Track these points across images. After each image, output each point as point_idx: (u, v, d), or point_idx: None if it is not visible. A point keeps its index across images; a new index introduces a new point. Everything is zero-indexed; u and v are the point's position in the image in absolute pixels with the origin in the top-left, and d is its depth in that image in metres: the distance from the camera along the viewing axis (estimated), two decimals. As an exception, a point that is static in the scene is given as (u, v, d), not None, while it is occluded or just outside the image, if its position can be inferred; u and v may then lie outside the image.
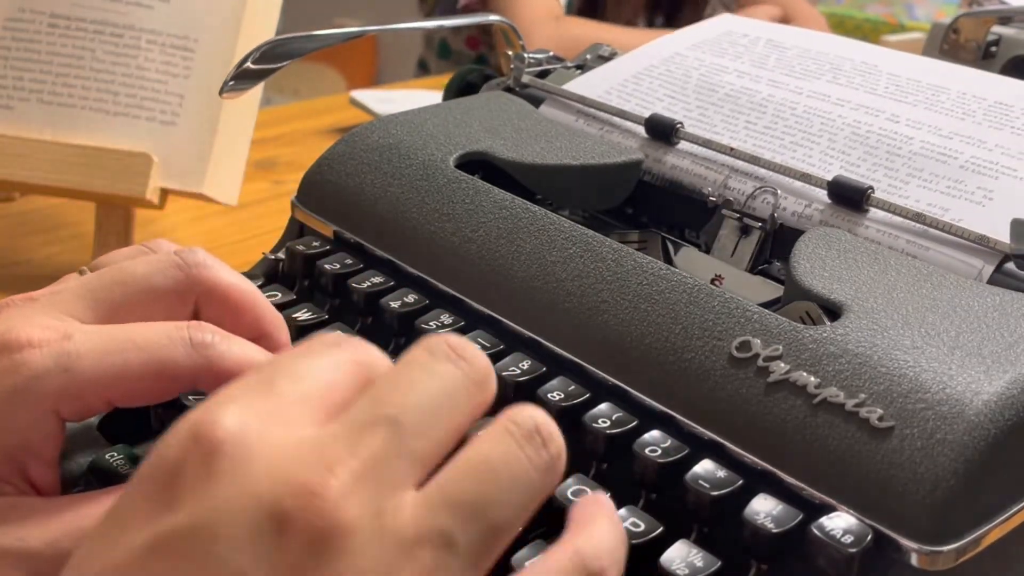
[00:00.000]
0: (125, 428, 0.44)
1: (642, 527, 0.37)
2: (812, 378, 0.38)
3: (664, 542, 0.36)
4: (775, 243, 0.52)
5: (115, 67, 0.73)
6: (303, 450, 0.26)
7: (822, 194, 0.51)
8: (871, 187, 0.50)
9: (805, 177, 0.52)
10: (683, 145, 0.57)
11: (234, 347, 0.35)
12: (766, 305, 0.43)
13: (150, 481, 0.26)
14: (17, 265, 0.78)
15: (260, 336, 0.38)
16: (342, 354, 0.30)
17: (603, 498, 0.31)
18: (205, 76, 0.73)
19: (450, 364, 0.29)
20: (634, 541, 0.36)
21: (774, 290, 0.50)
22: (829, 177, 0.51)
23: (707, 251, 0.54)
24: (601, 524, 0.30)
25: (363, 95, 1.13)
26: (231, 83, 0.58)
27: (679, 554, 0.35)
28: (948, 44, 0.77)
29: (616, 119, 0.60)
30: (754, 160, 0.54)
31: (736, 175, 0.54)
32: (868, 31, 1.51)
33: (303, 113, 1.18)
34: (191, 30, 0.74)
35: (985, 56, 0.76)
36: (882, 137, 0.54)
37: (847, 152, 0.54)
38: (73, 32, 0.74)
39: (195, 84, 0.73)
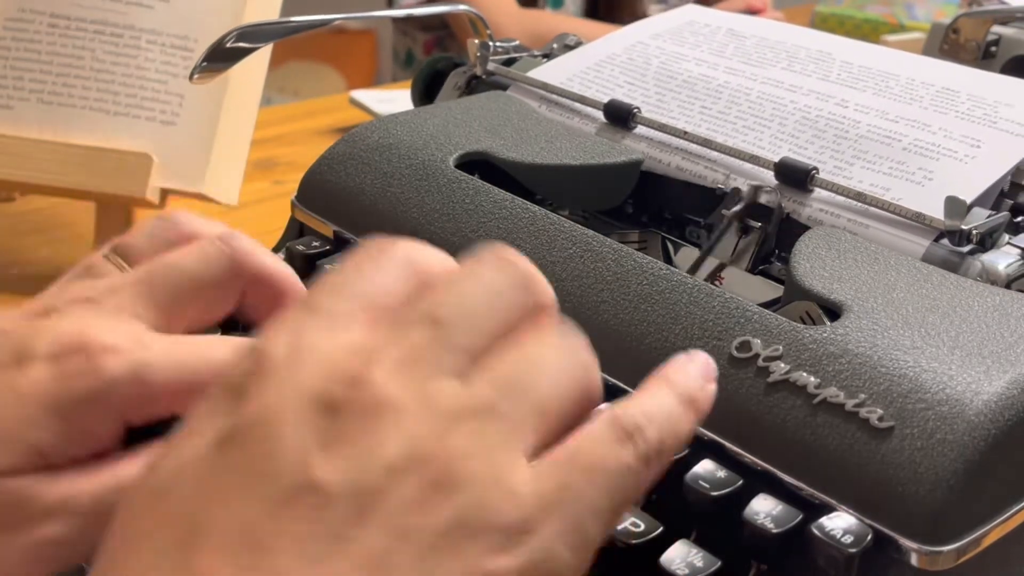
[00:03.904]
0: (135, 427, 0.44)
1: (642, 527, 0.37)
2: (812, 378, 0.38)
3: (664, 542, 0.36)
4: (775, 243, 0.52)
5: (115, 67, 0.73)
6: (350, 348, 0.28)
7: (769, 175, 0.53)
8: (816, 168, 0.52)
9: (754, 159, 0.54)
10: (640, 129, 0.59)
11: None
12: (766, 305, 0.43)
13: (214, 398, 0.28)
14: (17, 265, 0.78)
15: None
16: (390, 258, 0.31)
17: (674, 363, 0.33)
18: (205, 76, 0.73)
19: (494, 269, 0.30)
20: (634, 541, 0.36)
21: (774, 290, 0.50)
22: (777, 159, 0.53)
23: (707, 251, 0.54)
24: (652, 390, 0.31)
25: (363, 95, 1.13)
26: (203, 64, 0.59)
27: (679, 554, 0.35)
28: (948, 44, 0.77)
29: (576, 104, 0.62)
30: (706, 143, 0.56)
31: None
32: (868, 31, 1.51)
33: (303, 113, 1.18)
34: (191, 30, 0.74)
35: (985, 56, 0.76)
36: (830, 121, 0.56)
37: (796, 135, 0.56)
38: (73, 32, 0.74)
39: (195, 84, 0.73)
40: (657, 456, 0.29)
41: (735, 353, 0.40)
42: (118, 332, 0.34)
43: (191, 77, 0.59)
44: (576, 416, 0.29)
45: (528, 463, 0.27)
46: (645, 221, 0.59)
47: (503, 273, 0.30)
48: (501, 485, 0.26)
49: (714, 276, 0.53)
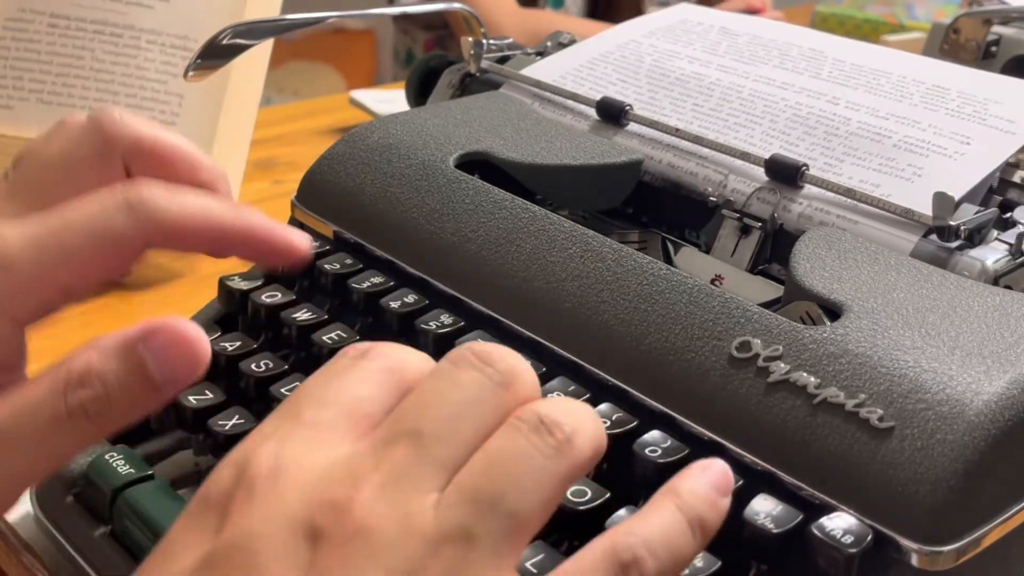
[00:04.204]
0: (125, 429, 0.44)
1: (642, 527, 0.37)
2: (812, 378, 0.38)
3: (664, 542, 0.36)
4: (775, 243, 0.52)
5: (115, 67, 0.73)
6: (332, 471, 0.28)
7: (760, 171, 0.54)
8: (806, 164, 0.52)
9: (744, 156, 0.54)
10: (631, 126, 0.59)
11: (178, 199, 0.34)
12: (766, 305, 0.43)
13: (196, 515, 0.28)
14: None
15: (199, 185, 0.36)
16: (370, 365, 0.31)
17: (687, 476, 0.31)
18: (205, 76, 0.73)
19: (473, 371, 0.30)
20: (634, 541, 0.36)
21: (774, 290, 0.50)
22: (767, 155, 0.53)
23: (707, 251, 0.54)
24: (658, 510, 0.30)
25: (363, 95, 1.13)
26: (198, 61, 0.59)
27: (679, 554, 0.35)
28: (948, 44, 0.77)
29: (569, 102, 0.62)
30: (697, 140, 0.56)
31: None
32: (868, 31, 1.51)
33: (303, 113, 1.18)
34: (191, 30, 0.74)
35: (985, 56, 0.76)
36: (821, 118, 0.56)
37: (787, 132, 0.56)
38: (73, 32, 0.74)
39: (195, 84, 0.73)
40: None
41: (735, 353, 0.40)
42: None
43: (186, 74, 0.59)
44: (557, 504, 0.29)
45: None
46: (645, 221, 0.59)
47: (484, 375, 0.30)
48: None
49: (714, 276, 0.53)
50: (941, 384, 0.37)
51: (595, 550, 0.28)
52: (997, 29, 0.76)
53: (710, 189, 0.55)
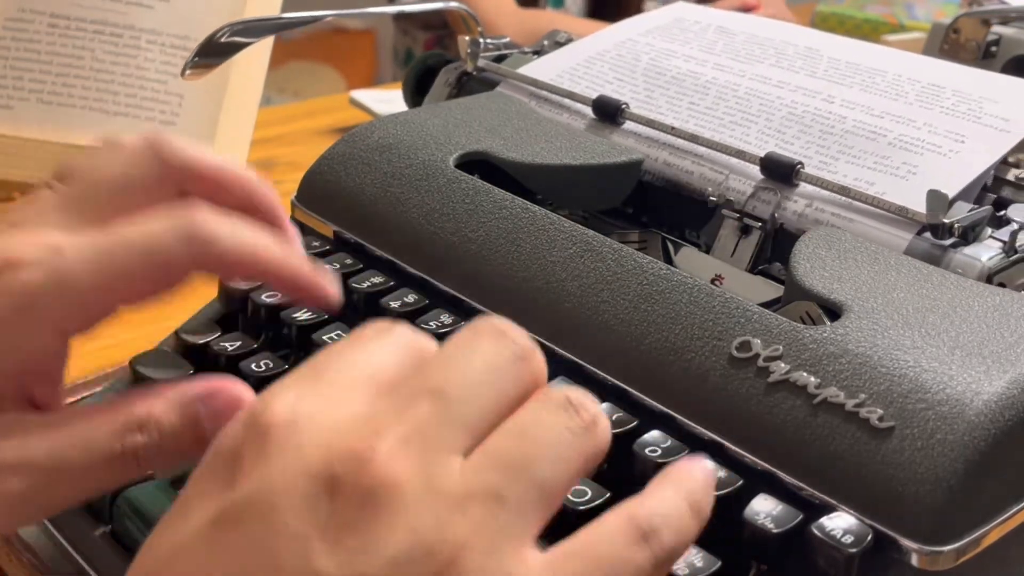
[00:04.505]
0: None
1: (642, 527, 0.37)
2: (812, 378, 0.38)
3: (664, 542, 0.36)
4: (775, 243, 0.52)
5: (115, 67, 0.73)
6: (352, 422, 0.27)
7: (755, 170, 0.54)
8: (801, 162, 0.53)
9: (740, 154, 0.54)
10: (628, 125, 0.59)
11: (232, 231, 0.34)
12: (766, 305, 0.43)
13: (210, 468, 0.28)
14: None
15: (254, 212, 0.37)
16: (391, 338, 0.31)
17: (683, 466, 0.31)
18: (205, 76, 0.73)
19: (493, 341, 0.30)
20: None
21: (774, 290, 0.50)
22: (763, 154, 0.53)
23: (707, 251, 0.54)
24: (664, 490, 0.30)
25: (363, 95, 1.12)
26: (195, 59, 0.59)
27: (679, 554, 0.35)
28: (948, 44, 0.77)
29: (566, 100, 0.62)
30: (693, 138, 0.56)
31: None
32: (868, 31, 1.51)
33: (303, 113, 1.18)
34: (191, 30, 0.74)
35: (985, 56, 0.76)
36: (817, 117, 0.57)
37: (782, 131, 0.56)
38: (73, 32, 0.74)
39: (195, 84, 0.73)
40: (668, 561, 0.29)
41: (735, 353, 0.40)
42: (31, 244, 0.33)
43: (183, 72, 0.59)
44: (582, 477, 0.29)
45: (537, 553, 0.27)
46: (645, 221, 0.59)
47: (502, 346, 0.30)
48: None
49: (714, 277, 0.53)
50: (941, 384, 0.37)
51: (614, 518, 0.28)
52: (997, 29, 0.76)
53: (709, 189, 0.55)
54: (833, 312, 0.42)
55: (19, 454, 0.33)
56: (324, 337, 0.47)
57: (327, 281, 0.36)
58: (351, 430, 0.27)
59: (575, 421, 0.29)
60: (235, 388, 0.34)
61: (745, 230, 0.53)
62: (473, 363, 0.29)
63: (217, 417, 0.33)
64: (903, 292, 0.42)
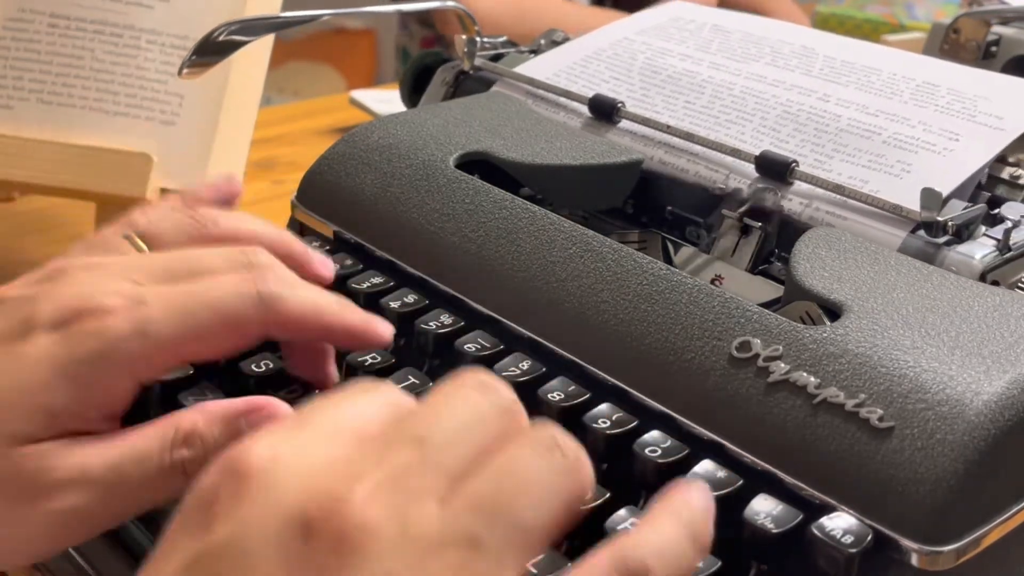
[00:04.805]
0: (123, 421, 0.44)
1: (642, 527, 0.37)
2: (812, 378, 0.38)
3: (664, 542, 0.36)
4: (775, 243, 0.52)
5: (115, 67, 0.73)
6: (331, 467, 0.27)
7: (750, 168, 0.54)
8: (795, 161, 0.53)
9: (735, 152, 0.55)
10: (624, 123, 0.60)
11: (301, 296, 0.38)
12: (766, 305, 0.43)
13: (188, 512, 0.28)
14: (16, 265, 0.77)
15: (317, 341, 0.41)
16: (376, 396, 0.31)
17: (681, 493, 0.30)
18: (205, 76, 0.73)
19: (476, 392, 0.30)
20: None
21: (774, 290, 0.50)
22: (758, 152, 0.54)
23: (707, 251, 0.54)
24: (662, 522, 0.29)
25: (363, 95, 1.12)
26: (193, 58, 0.59)
27: (679, 554, 0.35)
28: (948, 44, 0.77)
29: (562, 99, 0.63)
30: (689, 137, 0.57)
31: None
32: (868, 31, 1.51)
33: (303, 113, 1.18)
34: (191, 30, 0.74)
35: (985, 56, 0.76)
36: (812, 115, 0.57)
37: (777, 129, 0.57)
38: (73, 32, 0.74)
39: (195, 84, 0.73)
40: None
41: (735, 353, 0.40)
42: (116, 293, 0.35)
43: (180, 71, 0.60)
44: (564, 526, 0.28)
45: None
46: (645, 221, 0.59)
47: (487, 398, 0.30)
48: None
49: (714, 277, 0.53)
50: (941, 384, 0.37)
51: (603, 557, 0.28)
52: (997, 29, 0.76)
53: (704, 184, 0.55)
54: (833, 312, 0.42)
55: (79, 471, 0.34)
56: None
57: (380, 326, 0.40)
58: (328, 474, 0.27)
59: (557, 461, 0.28)
60: (276, 405, 0.35)
61: (745, 230, 0.53)
62: (455, 412, 0.29)
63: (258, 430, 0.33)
64: (903, 292, 0.42)
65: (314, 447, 0.28)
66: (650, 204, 0.58)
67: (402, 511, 0.26)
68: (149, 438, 0.35)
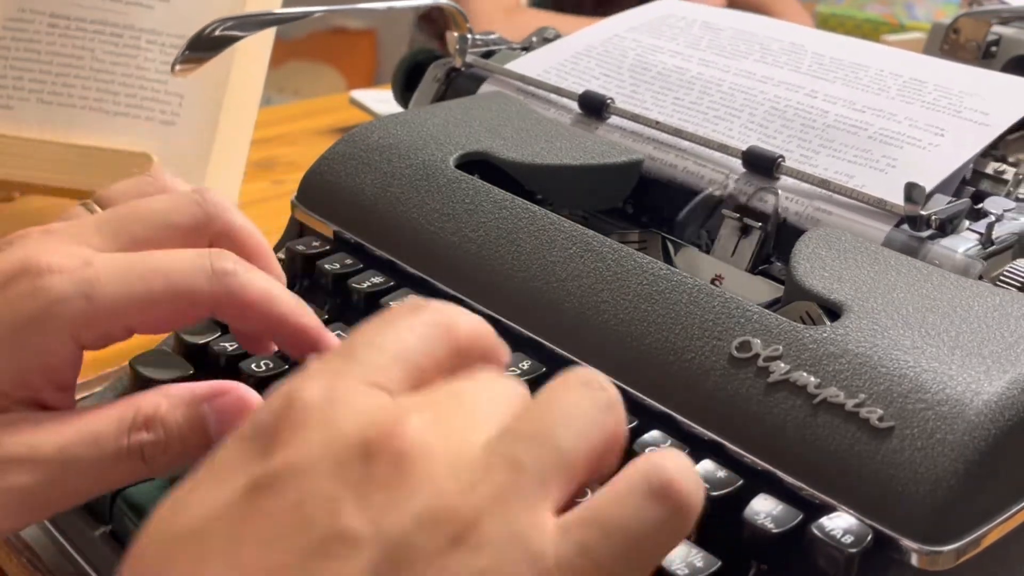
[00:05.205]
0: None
1: (642, 527, 0.37)
2: (812, 378, 0.38)
3: (664, 542, 0.36)
4: (775, 243, 0.52)
5: (115, 67, 0.73)
6: (384, 403, 0.28)
7: (738, 163, 0.54)
8: (782, 156, 0.53)
9: (723, 148, 0.55)
10: (613, 120, 0.60)
11: (255, 278, 0.36)
12: (766, 305, 0.43)
13: (245, 439, 0.28)
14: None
15: None
16: (420, 318, 0.31)
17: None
18: (205, 76, 0.73)
19: (499, 378, 0.31)
20: (634, 541, 0.36)
21: (774, 290, 0.50)
22: (745, 147, 0.54)
23: (707, 251, 0.54)
24: (667, 452, 0.30)
25: (363, 95, 1.12)
26: (185, 53, 0.59)
27: (679, 554, 0.35)
28: (948, 44, 0.77)
29: (552, 95, 0.63)
30: (677, 132, 0.57)
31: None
32: (868, 31, 1.51)
33: (303, 113, 1.18)
34: (191, 30, 0.74)
35: (985, 56, 0.76)
36: (799, 111, 0.57)
37: (765, 125, 0.57)
38: (73, 32, 0.74)
39: (195, 84, 0.73)
40: (688, 515, 0.28)
41: (735, 353, 0.40)
42: (62, 253, 0.34)
43: (172, 68, 0.60)
44: (605, 463, 0.29)
45: (553, 519, 0.27)
46: (645, 221, 0.59)
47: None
48: (522, 547, 0.26)
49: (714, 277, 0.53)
50: (941, 384, 0.37)
51: (629, 477, 0.28)
52: (997, 29, 0.76)
53: (702, 184, 0.55)
54: (833, 312, 0.42)
55: (27, 448, 0.33)
56: (324, 337, 0.47)
57: (330, 338, 0.38)
58: (382, 409, 0.28)
59: (599, 396, 0.29)
60: (241, 390, 0.34)
61: (745, 230, 0.53)
62: (497, 387, 0.30)
63: (223, 418, 0.33)
64: (903, 292, 0.42)
65: (365, 387, 0.28)
66: (648, 204, 0.58)
67: (452, 441, 0.27)
68: (106, 419, 0.34)
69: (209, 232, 0.38)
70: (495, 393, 0.30)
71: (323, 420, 0.27)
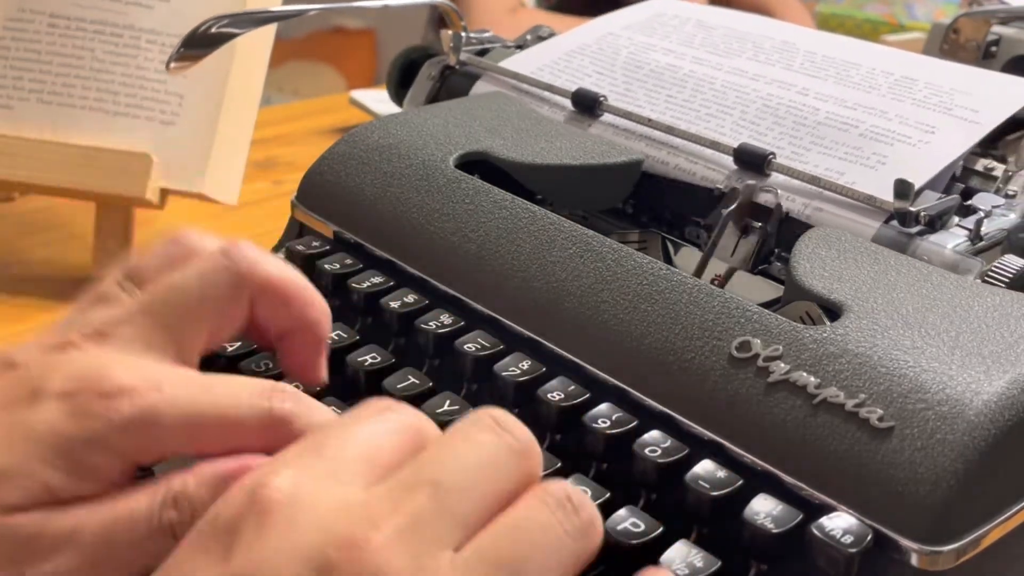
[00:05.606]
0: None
1: (642, 527, 0.37)
2: (812, 378, 0.38)
3: (664, 542, 0.36)
4: (775, 243, 0.52)
5: (115, 67, 0.73)
6: (349, 508, 0.28)
7: (728, 160, 0.55)
8: (772, 153, 0.54)
9: (714, 145, 0.56)
10: (606, 117, 0.60)
11: (313, 415, 0.36)
12: (766, 305, 0.43)
13: (206, 537, 0.28)
14: (16, 265, 0.78)
15: (305, 325, 0.39)
16: (390, 418, 0.31)
17: None
18: (205, 76, 0.73)
19: (492, 434, 0.30)
20: (634, 541, 0.36)
21: (774, 290, 0.50)
22: (736, 144, 0.54)
23: (707, 251, 0.54)
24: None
25: (363, 95, 1.13)
26: (181, 51, 0.59)
27: (679, 554, 0.35)
28: (948, 44, 0.77)
29: (545, 93, 0.63)
30: (669, 130, 0.58)
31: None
32: (868, 31, 1.51)
33: (303, 113, 1.18)
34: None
35: (985, 56, 0.76)
36: (790, 108, 0.58)
37: (757, 122, 0.58)
38: (73, 32, 0.74)
39: (195, 84, 0.73)
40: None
41: (735, 353, 0.40)
42: (133, 371, 0.34)
43: (168, 65, 0.60)
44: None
45: None
46: (645, 221, 0.59)
47: (501, 440, 0.30)
48: None
49: (715, 277, 0.53)
50: (941, 384, 0.37)
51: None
52: (997, 29, 0.76)
53: (682, 177, 0.55)
54: (833, 312, 0.42)
55: (71, 530, 0.33)
56: (324, 337, 0.47)
57: (320, 366, 0.39)
58: (348, 516, 0.27)
59: (572, 522, 0.29)
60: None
61: (745, 230, 0.53)
62: (470, 455, 0.30)
63: None
64: (903, 292, 0.42)
65: (331, 481, 0.28)
66: (647, 204, 0.58)
67: (418, 559, 0.27)
68: (140, 501, 0.34)
69: (247, 292, 0.38)
70: (469, 487, 0.29)
71: (285, 524, 0.27)
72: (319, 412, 0.36)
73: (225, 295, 0.37)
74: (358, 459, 0.29)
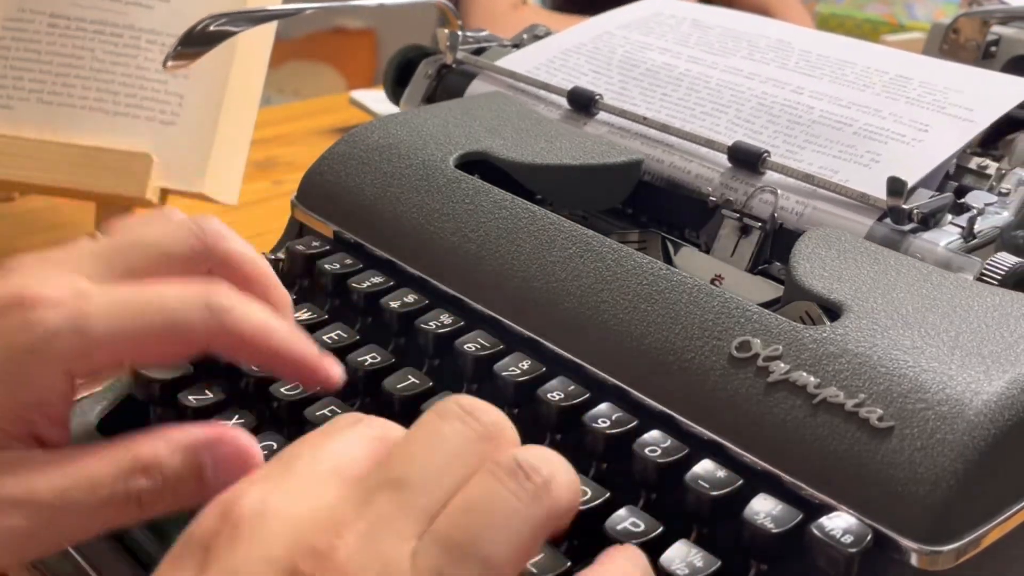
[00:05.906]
0: (125, 428, 0.44)
1: (642, 527, 0.37)
2: (812, 378, 0.38)
3: (664, 542, 0.36)
4: (775, 243, 0.52)
5: (115, 67, 0.73)
6: (317, 517, 0.28)
7: (723, 158, 0.55)
8: (767, 151, 0.54)
9: (709, 143, 0.56)
10: (601, 115, 0.61)
11: (251, 312, 0.36)
12: (766, 305, 0.43)
13: (182, 554, 0.29)
14: (17, 265, 0.77)
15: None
16: (359, 431, 0.32)
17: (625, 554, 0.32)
18: (205, 76, 0.73)
19: (458, 422, 0.30)
20: (634, 541, 0.36)
21: (774, 290, 0.50)
22: (730, 143, 0.55)
23: (707, 251, 0.54)
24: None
25: (363, 95, 1.12)
26: (178, 49, 0.59)
27: (679, 554, 0.35)
28: (948, 44, 0.77)
29: (541, 91, 0.63)
30: (664, 128, 0.58)
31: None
32: (868, 31, 1.51)
33: (303, 113, 1.18)
34: (191, 30, 0.74)
35: (985, 56, 0.76)
36: (785, 107, 0.58)
37: (751, 121, 0.58)
38: (73, 32, 0.74)
39: (195, 84, 0.73)
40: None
41: (735, 353, 0.40)
42: (56, 284, 0.34)
43: (165, 63, 0.60)
44: (533, 552, 0.29)
45: None
46: (645, 221, 0.59)
47: (468, 428, 0.30)
48: None
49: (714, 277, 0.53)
50: (941, 384, 0.37)
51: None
52: (997, 29, 0.76)
53: (677, 175, 0.55)
54: (833, 312, 0.42)
55: (24, 491, 0.33)
56: (323, 337, 0.47)
57: (333, 367, 0.38)
58: (314, 525, 0.28)
59: (524, 487, 0.29)
60: (241, 440, 0.34)
61: (745, 230, 0.53)
62: (435, 447, 0.30)
63: (221, 466, 0.34)
64: (903, 292, 0.42)
65: (301, 495, 0.29)
66: (646, 204, 0.58)
67: (383, 559, 0.27)
68: (103, 463, 0.33)
69: (208, 261, 0.38)
70: (433, 481, 0.29)
71: (254, 537, 0.28)
72: (255, 306, 0.36)
73: (184, 255, 0.37)
74: (328, 472, 0.30)
